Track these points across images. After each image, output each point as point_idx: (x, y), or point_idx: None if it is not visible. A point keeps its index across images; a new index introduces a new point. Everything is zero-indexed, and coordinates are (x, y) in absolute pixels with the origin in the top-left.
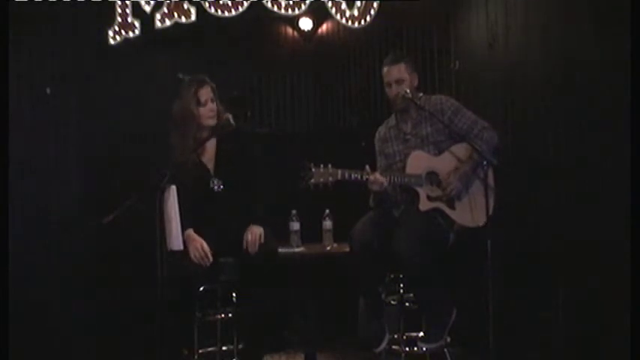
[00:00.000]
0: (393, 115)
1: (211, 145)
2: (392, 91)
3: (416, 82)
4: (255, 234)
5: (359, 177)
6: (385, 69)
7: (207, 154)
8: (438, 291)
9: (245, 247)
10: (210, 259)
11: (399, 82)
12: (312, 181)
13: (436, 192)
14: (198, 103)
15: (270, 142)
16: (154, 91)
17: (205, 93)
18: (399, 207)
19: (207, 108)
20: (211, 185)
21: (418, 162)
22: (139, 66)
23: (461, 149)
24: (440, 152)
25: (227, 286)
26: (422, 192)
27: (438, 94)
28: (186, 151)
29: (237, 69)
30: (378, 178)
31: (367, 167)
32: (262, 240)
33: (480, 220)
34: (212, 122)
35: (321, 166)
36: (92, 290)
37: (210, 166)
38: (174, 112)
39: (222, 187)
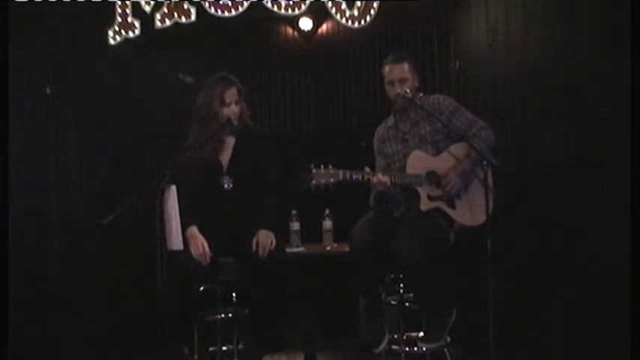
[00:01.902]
0: (391, 115)
1: (229, 144)
2: (394, 90)
3: (417, 83)
4: (266, 239)
5: (359, 177)
6: (387, 68)
7: (224, 152)
8: (438, 291)
9: (254, 249)
10: (209, 259)
11: (402, 81)
12: (313, 182)
13: (436, 192)
14: (223, 104)
15: (270, 142)
16: (154, 91)
17: (231, 95)
18: (399, 207)
19: (231, 109)
20: (222, 183)
21: (418, 162)
22: (139, 66)
23: (459, 149)
24: (438, 152)
25: (227, 286)
26: (422, 192)
27: (437, 93)
28: (201, 146)
29: (237, 69)
30: (381, 179)
31: (367, 168)
32: (273, 245)
33: (480, 218)
34: (234, 123)
35: (322, 167)
36: (92, 290)
37: (225, 163)
38: (198, 106)
39: (232, 185)
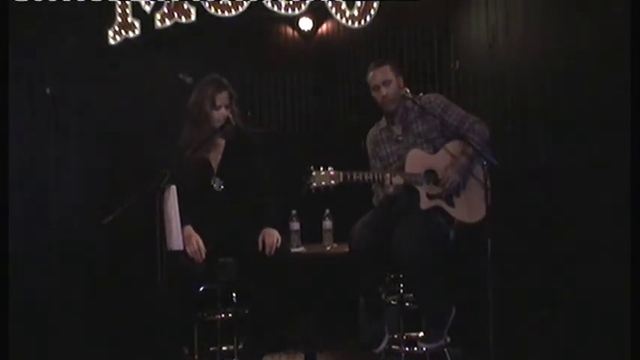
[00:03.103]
0: (383, 117)
1: (220, 144)
2: (380, 94)
3: (401, 84)
4: (272, 237)
5: (360, 178)
6: (371, 74)
7: (214, 153)
8: (437, 290)
9: (261, 248)
10: (204, 255)
11: (386, 83)
12: (314, 184)
13: (435, 190)
14: (213, 106)
15: (270, 142)
16: (153, 91)
17: (222, 98)
18: (399, 206)
19: (220, 112)
20: (212, 184)
21: (417, 160)
22: (139, 66)
23: (456, 146)
24: (435, 150)
25: (227, 286)
26: (422, 191)
27: (437, 93)
28: (196, 148)
29: (237, 69)
30: (397, 180)
31: (388, 175)
32: (279, 243)
33: (478, 215)
34: (233, 123)
35: (321, 168)
36: (92, 290)
37: (215, 165)
38: (189, 107)
39: (222, 187)
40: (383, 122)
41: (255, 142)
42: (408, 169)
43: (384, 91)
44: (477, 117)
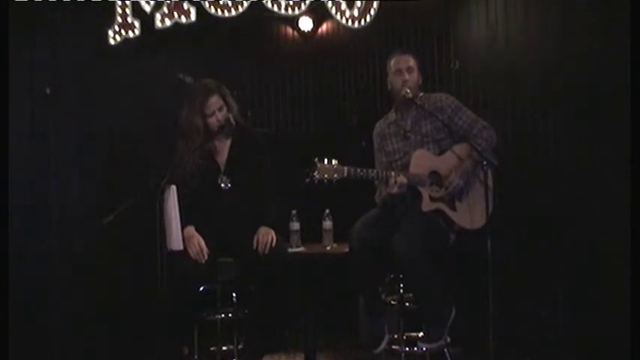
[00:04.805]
0: (392, 111)
1: (225, 143)
2: (402, 77)
3: (420, 80)
4: (266, 235)
5: (364, 175)
6: (393, 59)
7: (220, 153)
8: (437, 290)
9: (255, 247)
10: (206, 256)
11: (409, 70)
12: (317, 176)
13: (438, 192)
14: (204, 116)
15: (270, 142)
16: (154, 91)
17: (212, 104)
18: (400, 207)
19: (215, 118)
20: (219, 182)
21: (422, 161)
22: (139, 66)
23: (463, 149)
24: (442, 151)
25: (227, 286)
26: (424, 192)
27: (447, 93)
28: (190, 158)
29: (237, 69)
30: (401, 179)
31: (392, 173)
32: (274, 242)
33: (479, 223)
34: (233, 123)
35: (325, 161)
36: (92, 290)
37: (222, 164)
38: (181, 122)
39: (229, 185)
40: (392, 116)
41: (258, 141)
42: (412, 169)
43: (406, 75)
44: (486, 122)
